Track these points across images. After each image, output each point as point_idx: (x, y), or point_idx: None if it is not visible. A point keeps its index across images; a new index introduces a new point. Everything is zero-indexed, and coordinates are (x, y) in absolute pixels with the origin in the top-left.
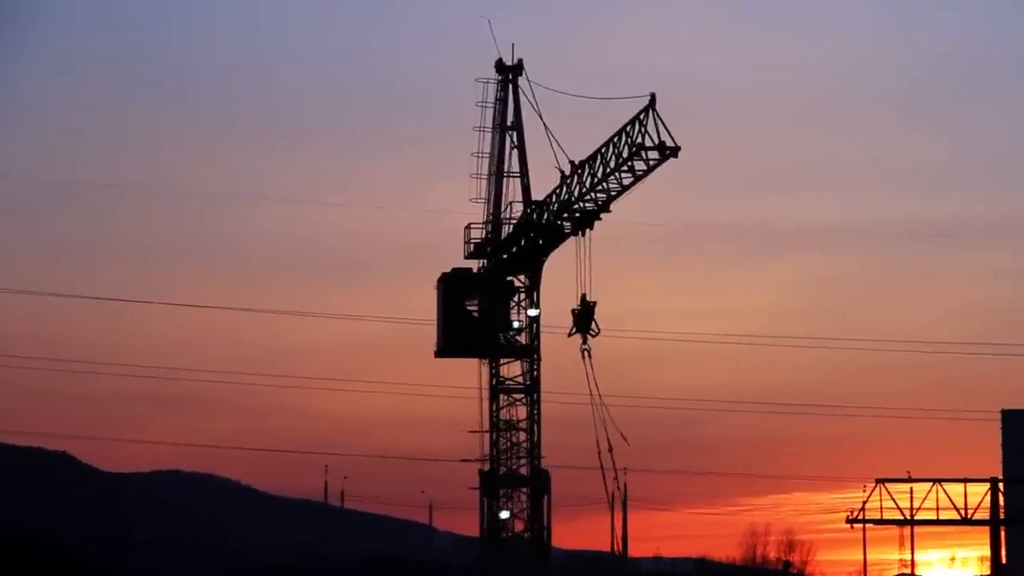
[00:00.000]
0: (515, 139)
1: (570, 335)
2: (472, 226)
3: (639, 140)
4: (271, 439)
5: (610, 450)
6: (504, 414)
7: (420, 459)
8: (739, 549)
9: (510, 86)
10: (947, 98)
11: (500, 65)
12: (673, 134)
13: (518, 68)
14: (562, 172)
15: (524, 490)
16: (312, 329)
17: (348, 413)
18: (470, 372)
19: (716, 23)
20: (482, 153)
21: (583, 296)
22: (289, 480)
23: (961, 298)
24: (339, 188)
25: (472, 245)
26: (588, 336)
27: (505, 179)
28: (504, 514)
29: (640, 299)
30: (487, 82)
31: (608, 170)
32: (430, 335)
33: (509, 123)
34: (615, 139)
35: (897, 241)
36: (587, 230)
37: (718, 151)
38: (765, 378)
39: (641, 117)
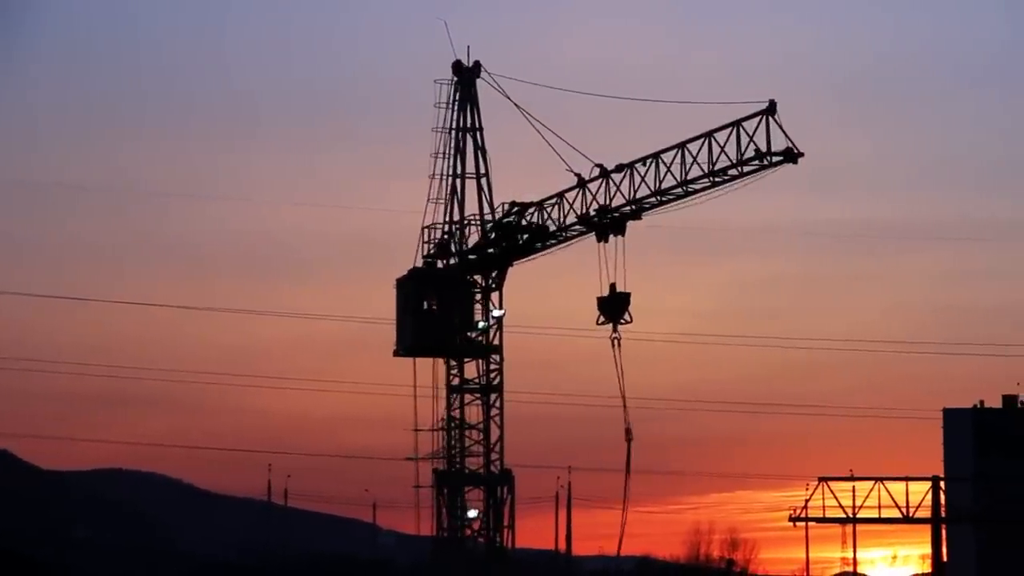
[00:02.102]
0: (479, 140)
1: (599, 323)
2: (433, 227)
3: (756, 146)
4: (215, 438)
5: (628, 439)
6: (461, 413)
7: (363, 457)
8: (682, 548)
9: (470, 88)
10: (880, 98)
11: (457, 67)
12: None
13: (475, 70)
14: (579, 176)
15: (481, 489)
16: (263, 328)
17: (294, 412)
18: (423, 372)
19: (664, 22)
20: (440, 154)
21: (612, 286)
22: (233, 479)
23: (901, 297)
24: (295, 187)
25: (434, 245)
26: (618, 325)
27: (470, 180)
28: (472, 513)
29: (585, 298)
30: (444, 83)
31: (686, 175)
32: (382, 334)
33: (469, 125)
34: (701, 143)
35: (838, 241)
36: (622, 231)
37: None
38: (708, 377)
39: (735, 124)
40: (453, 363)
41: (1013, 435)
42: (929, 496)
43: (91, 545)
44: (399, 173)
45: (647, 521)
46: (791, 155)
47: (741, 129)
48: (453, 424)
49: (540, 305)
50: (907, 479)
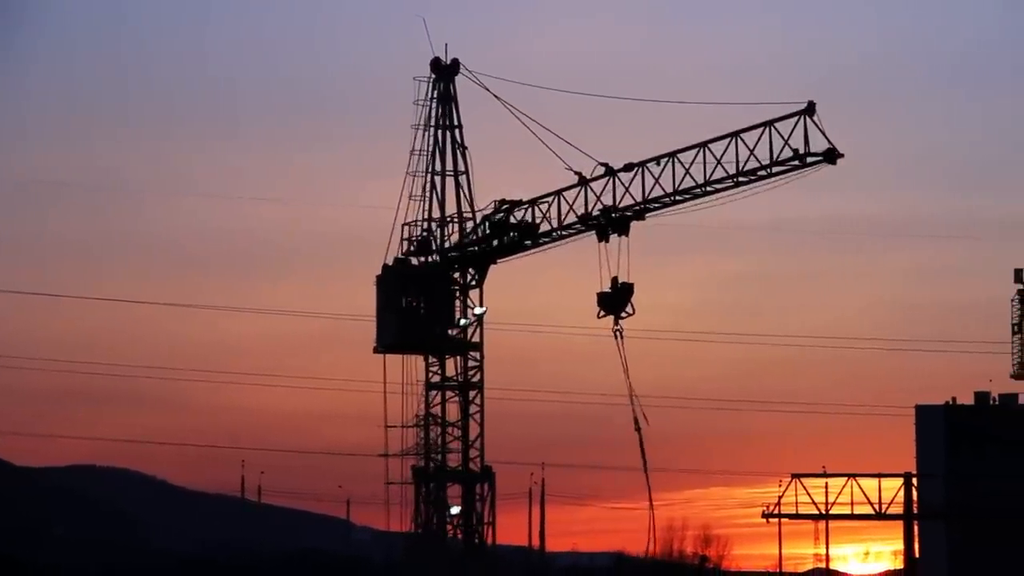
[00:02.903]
0: (459, 138)
1: (599, 317)
2: (412, 224)
3: (793, 146)
4: (190, 434)
5: (637, 430)
6: (440, 410)
7: (337, 454)
8: (656, 544)
9: (449, 85)
10: (859, 96)
11: (436, 64)
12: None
13: (454, 68)
14: (580, 174)
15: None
16: (238, 324)
17: (268, 408)
18: (396, 369)
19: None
20: (419, 151)
21: (614, 279)
22: (207, 476)
23: (874, 295)
24: (272, 184)
25: (414, 242)
26: (620, 317)
27: (449, 178)
28: (455, 509)
29: (557, 294)
30: (423, 80)
31: (709, 174)
32: (357, 330)
33: (448, 122)
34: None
35: (811, 238)
36: (626, 231)
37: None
38: (682, 374)
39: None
40: (432, 360)
41: (985, 432)
42: (902, 493)
43: (65, 542)
44: (377, 170)
45: (622, 518)
46: (832, 156)
47: (773, 129)
48: (432, 421)
49: (520, 303)
50: (880, 476)
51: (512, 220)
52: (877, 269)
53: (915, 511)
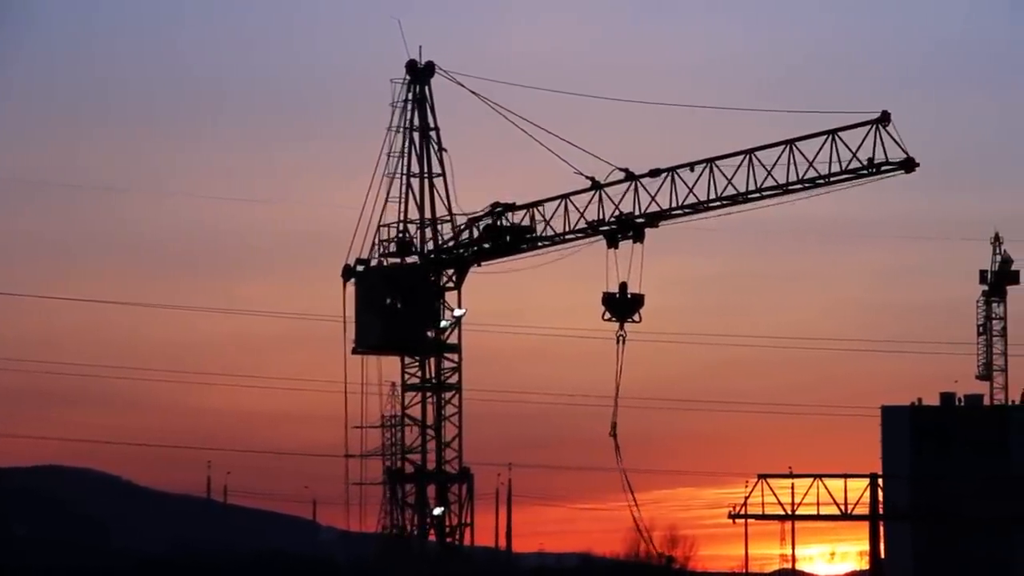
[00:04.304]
0: (438, 140)
1: (604, 319)
2: (390, 225)
3: (866, 155)
4: (154, 434)
5: (613, 435)
6: (415, 411)
7: (303, 454)
8: (623, 545)
9: (424, 87)
10: (819, 94)
11: (411, 66)
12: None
13: (429, 70)
14: (593, 179)
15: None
16: (204, 323)
17: (234, 408)
18: (356, 369)
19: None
20: (394, 153)
21: (623, 285)
22: (172, 476)
23: (841, 295)
24: (240, 184)
25: (393, 243)
26: (625, 324)
27: (428, 179)
28: (438, 510)
29: (521, 294)
30: (399, 82)
31: (759, 182)
32: (326, 330)
33: (422, 124)
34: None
35: (777, 239)
36: (641, 238)
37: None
38: (648, 374)
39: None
40: (409, 361)
41: (950, 433)
42: (867, 493)
43: (29, 542)
44: (354, 171)
45: (588, 518)
46: (910, 165)
47: (837, 138)
48: (409, 422)
49: (494, 305)
50: (846, 476)
51: (504, 223)
52: (843, 270)
53: (881, 512)
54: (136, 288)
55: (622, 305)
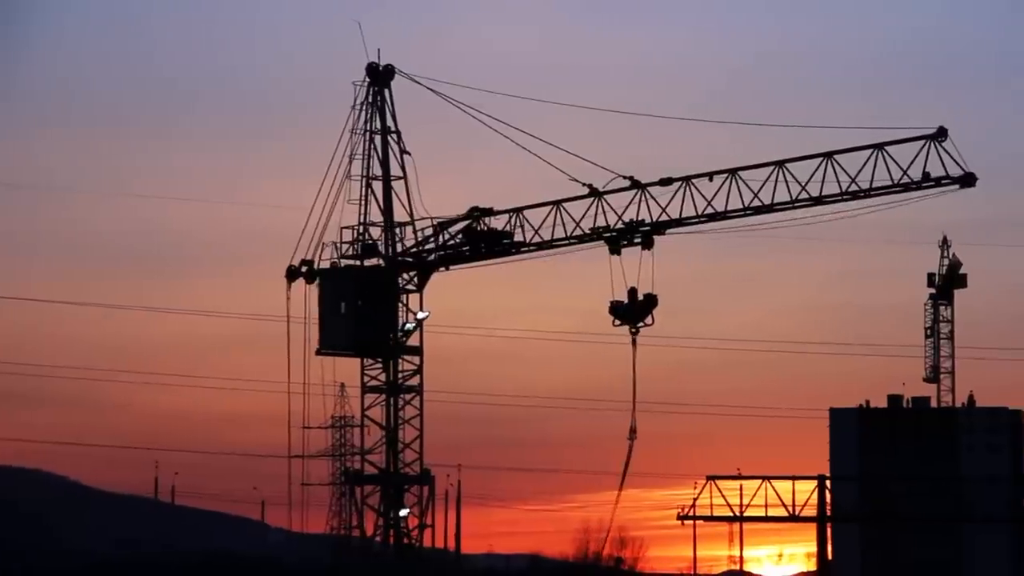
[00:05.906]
0: (399, 142)
1: (615, 325)
2: (353, 227)
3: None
4: (102, 435)
5: (630, 439)
6: (375, 413)
7: (252, 455)
8: (572, 546)
9: (385, 90)
10: (765, 96)
11: (372, 69)
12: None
13: (389, 73)
14: (591, 186)
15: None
16: (151, 324)
17: (181, 409)
18: (312, 370)
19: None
20: (354, 155)
21: (632, 289)
22: (119, 476)
23: (788, 298)
24: (198, 184)
25: (358, 245)
26: (638, 327)
27: (388, 182)
28: (403, 512)
29: (476, 297)
30: (360, 84)
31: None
32: (275, 330)
33: (380, 127)
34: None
35: (725, 241)
36: (650, 244)
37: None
38: (598, 375)
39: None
40: (369, 363)
41: (898, 435)
42: (815, 495)
43: None
44: (306, 172)
45: (538, 519)
46: (969, 180)
47: (884, 152)
48: (368, 423)
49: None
50: (794, 478)
51: (482, 228)
52: (791, 272)
53: (829, 513)
54: (82, 288)
55: (638, 309)
